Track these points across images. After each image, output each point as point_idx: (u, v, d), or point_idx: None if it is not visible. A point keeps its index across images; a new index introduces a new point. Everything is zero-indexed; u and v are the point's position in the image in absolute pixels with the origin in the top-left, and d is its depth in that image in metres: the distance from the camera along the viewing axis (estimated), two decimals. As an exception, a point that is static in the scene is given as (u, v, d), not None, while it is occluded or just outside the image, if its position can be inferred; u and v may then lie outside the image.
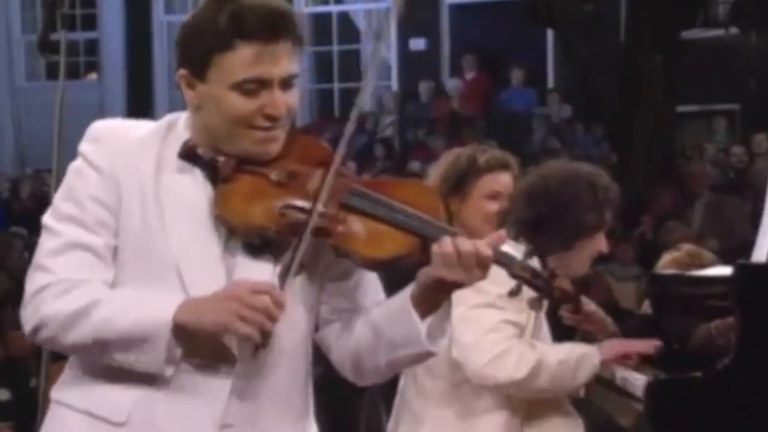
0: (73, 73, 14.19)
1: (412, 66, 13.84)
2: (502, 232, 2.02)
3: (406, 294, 2.02)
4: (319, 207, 1.97)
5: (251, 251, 2.02)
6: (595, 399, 3.59)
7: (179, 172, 2.04)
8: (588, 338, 3.46)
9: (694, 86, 10.93)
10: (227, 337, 1.98)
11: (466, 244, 1.95)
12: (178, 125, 2.08)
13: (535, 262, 2.06)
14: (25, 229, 9.75)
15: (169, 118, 2.11)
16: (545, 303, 2.09)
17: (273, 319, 1.92)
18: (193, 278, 2.00)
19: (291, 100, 2.03)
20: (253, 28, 1.97)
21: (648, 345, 3.17)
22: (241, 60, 1.97)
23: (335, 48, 14.56)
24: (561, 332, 3.40)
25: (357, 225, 2.00)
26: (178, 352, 1.97)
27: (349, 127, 2.06)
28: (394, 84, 14.18)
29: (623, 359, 3.20)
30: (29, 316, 2.04)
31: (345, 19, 14.55)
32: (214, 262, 2.01)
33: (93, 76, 15.33)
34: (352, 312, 2.10)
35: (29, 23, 14.93)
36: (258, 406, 2.05)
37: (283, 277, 1.97)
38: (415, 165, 10.66)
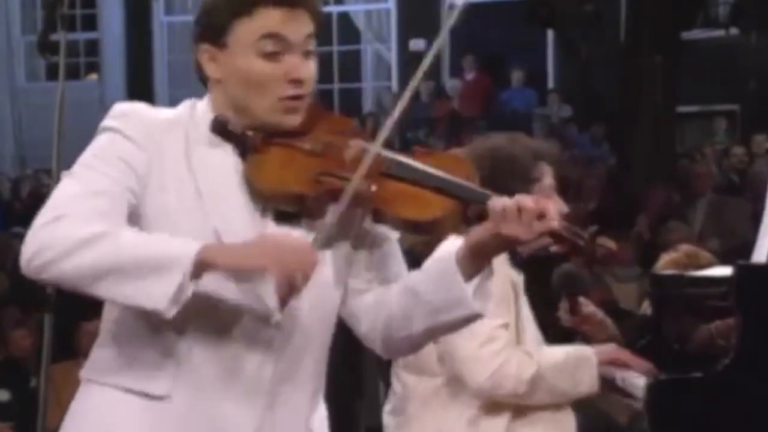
0: (74, 73, 14.19)
1: (413, 66, 13.83)
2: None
3: (448, 258, 2.02)
4: (362, 172, 1.97)
5: (283, 220, 2.03)
6: (595, 399, 3.59)
7: (209, 147, 2.05)
8: (587, 339, 3.45)
9: (695, 87, 10.93)
10: (251, 290, 1.93)
11: (526, 199, 1.97)
12: (198, 107, 2.10)
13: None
14: (25, 229, 9.74)
15: (188, 102, 2.12)
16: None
17: (306, 277, 1.90)
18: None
19: (312, 70, 2.06)
20: None
21: (642, 365, 3.16)
22: (262, 22, 2.02)
23: (335, 48, 14.56)
24: (561, 333, 3.40)
25: (398, 190, 2.02)
26: (190, 291, 1.88)
27: (404, 100, 2.06)
28: (394, 84, 14.18)
29: (619, 364, 3.21)
30: (31, 240, 1.95)
31: (345, 19, 14.55)
32: (252, 231, 2.01)
33: (93, 76, 15.33)
34: (384, 282, 2.11)
35: (29, 23, 14.94)
36: (288, 381, 2.06)
37: (317, 240, 1.96)
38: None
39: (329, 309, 2.10)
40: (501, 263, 2.98)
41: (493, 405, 2.99)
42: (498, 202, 1.98)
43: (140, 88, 14.51)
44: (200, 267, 1.89)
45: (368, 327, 2.12)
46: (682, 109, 10.66)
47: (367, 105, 14.27)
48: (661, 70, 9.52)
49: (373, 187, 2.00)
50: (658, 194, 8.72)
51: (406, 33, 14.11)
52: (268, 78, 2.02)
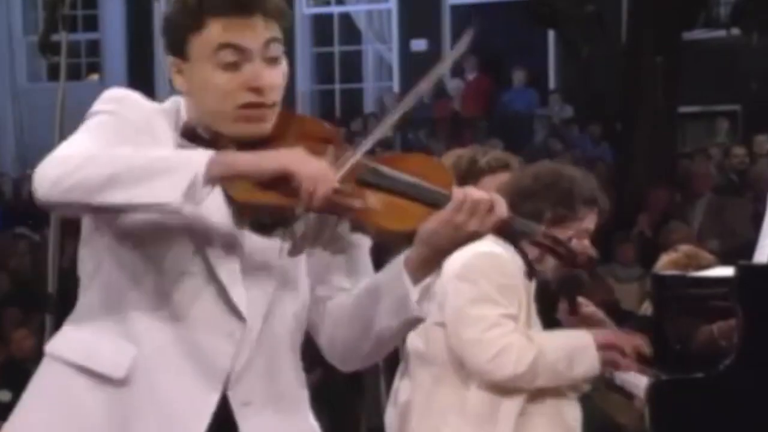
0: (75, 74, 14.17)
1: (414, 67, 13.83)
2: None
3: (398, 260, 2.00)
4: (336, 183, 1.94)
5: (260, 229, 2.02)
6: (595, 399, 3.59)
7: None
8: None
9: (696, 87, 10.93)
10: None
11: (481, 192, 1.95)
12: (181, 108, 2.09)
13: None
14: (27, 229, 9.74)
15: (173, 100, 2.11)
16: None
17: (327, 188, 1.86)
18: (209, 243, 1.96)
19: (277, 77, 2.03)
20: (220, 4, 1.99)
21: (635, 340, 3.15)
22: (214, 33, 2.00)
23: (336, 49, 14.55)
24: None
25: (374, 199, 1.99)
26: (204, 191, 1.86)
27: (392, 117, 2.07)
28: (396, 85, 14.17)
29: (617, 364, 3.20)
30: (40, 167, 1.90)
31: (346, 20, 14.55)
32: (228, 233, 2.00)
33: (94, 77, 15.32)
34: (346, 291, 2.09)
35: (31, 24, 14.93)
36: (274, 383, 2.05)
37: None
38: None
39: (300, 310, 2.08)
40: (515, 264, 3.00)
41: (500, 394, 2.99)
42: (454, 194, 1.96)
43: (141, 89, 14.38)
44: (218, 165, 1.86)
45: (326, 337, 2.11)
46: (684, 109, 10.65)
47: (369, 105, 14.26)
48: (663, 71, 9.51)
49: (358, 203, 1.97)
50: (659, 194, 8.72)
51: (407, 33, 14.10)
52: (226, 88, 2.00)
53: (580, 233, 3.02)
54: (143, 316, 1.99)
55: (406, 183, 2.00)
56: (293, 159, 1.88)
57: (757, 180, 9.36)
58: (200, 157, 1.87)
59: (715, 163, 10.03)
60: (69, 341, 2.05)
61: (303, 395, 2.12)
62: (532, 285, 3.08)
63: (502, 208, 1.96)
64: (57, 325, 3.77)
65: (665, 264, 4.02)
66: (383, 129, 2.06)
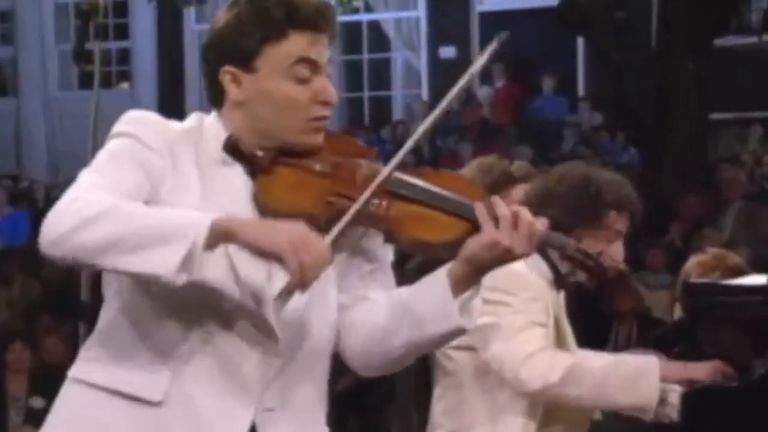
0: (106, 82, 14.27)
1: (443, 74, 13.83)
2: (544, 219, 2.03)
3: (439, 271, 2.02)
4: (368, 194, 1.98)
5: None
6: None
7: (221, 166, 2.06)
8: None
9: (728, 93, 10.87)
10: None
11: (524, 211, 1.99)
12: (206, 124, 2.10)
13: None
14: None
15: (196, 116, 2.13)
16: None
17: (316, 275, 1.89)
18: (239, 259, 1.95)
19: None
20: (306, 19, 2.04)
21: (712, 370, 3.10)
22: (294, 46, 2.04)
23: (365, 57, 14.58)
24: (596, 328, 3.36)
25: (409, 211, 2.03)
26: (202, 260, 1.86)
27: (423, 128, 2.08)
28: (425, 92, 14.18)
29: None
30: (47, 220, 1.93)
31: (375, 27, 14.57)
32: None
33: (125, 85, 15.43)
34: (368, 299, 2.11)
35: (62, 33, 15.06)
36: (296, 391, 2.06)
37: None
38: (445, 173, 10.63)
39: (331, 322, 2.10)
40: (540, 276, 2.97)
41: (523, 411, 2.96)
42: (496, 210, 1.99)
43: (171, 97, 14.59)
44: (217, 235, 1.87)
45: (348, 342, 2.12)
46: (716, 116, 10.60)
47: (397, 113, 14.28)
48: (694, 78, 9.47)
49: (382, 207, 2.00)
50: (691, 202, 8.68)
51: (436, 41, 14.11)
52: (300, 100, 2.04)
53: (610, 237, 2.96)
54: (177, 339, 1.99)
55: (439, 196, 2.03)
56: (289, 242, 1.86)
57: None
58: (201, 225, 1.86)
59: (746, 171, 9.96)
60: (97, 365, 2.04)
61: (321, 407, 2.13)
62: (561, 296, 3.04)
63: (539, 226, 2.00)
64: (90, 333, 3.80)
65: (693, 266, 4.02)
66: (415, 140, 2.08)
